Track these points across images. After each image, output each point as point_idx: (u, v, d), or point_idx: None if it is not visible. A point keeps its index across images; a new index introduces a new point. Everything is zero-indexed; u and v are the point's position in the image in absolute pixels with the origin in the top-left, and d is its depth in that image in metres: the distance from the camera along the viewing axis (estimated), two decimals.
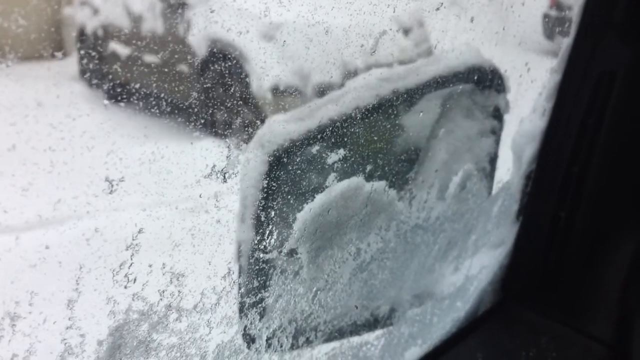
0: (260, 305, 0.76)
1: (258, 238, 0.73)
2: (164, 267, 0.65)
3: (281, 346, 0.80)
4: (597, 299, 1.34)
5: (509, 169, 1.26)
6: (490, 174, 1.06)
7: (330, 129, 0.82)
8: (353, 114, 0.84)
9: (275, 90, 7.70)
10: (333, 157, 0.78)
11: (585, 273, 1.32)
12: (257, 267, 0.74)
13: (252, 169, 0.75)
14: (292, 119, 0.82)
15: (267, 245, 0.73)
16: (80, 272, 0.59)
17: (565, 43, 1.17)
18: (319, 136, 0.80)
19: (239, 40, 7.58)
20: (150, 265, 0.63)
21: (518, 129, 1.27)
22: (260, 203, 0.73)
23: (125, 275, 0.62)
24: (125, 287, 0.61)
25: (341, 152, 0.78)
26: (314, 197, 0.77)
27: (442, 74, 0.95)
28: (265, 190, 0.74)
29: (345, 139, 0.83)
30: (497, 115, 1.05)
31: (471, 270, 1.24)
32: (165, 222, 0.75)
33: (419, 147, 0.97)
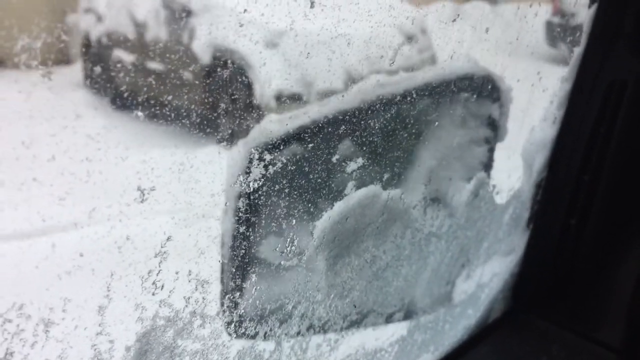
0: (280, 310, 0.77)
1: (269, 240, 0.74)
2: (190, 274, 0.66)
3: (299, 351, 0.81)
4: (607, 306, 1.34)
5: (519, 177, 1.27)
6: (459, 171, 1.07)
7: (320, 126, 0.84)
8: (350, 112, 0.86)
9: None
10: (352, 166, 0.79)
11: (595, 281, 1.33)
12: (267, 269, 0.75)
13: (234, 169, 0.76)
14: (284, 118, 0.84)
15: (285, 251, 0.74)
16: (111, 279, 0.60)
17: (575, 52, 1.18)
18: (308, 132, 0.82)
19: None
20: (177, 272, 0.64)
21: (529, 137, 1.28)
22: (246, 205, 0.73)
23: (154, 283, 0.63)
24: (153, 294, 0.62)
25: (360, 160, 0.79)
26: (333, 205, 0.79)
27: (435, 81, 0.97)
28: (250, 192, 0.74)
29: (338, 139, 0.84)
30: (491, 124, 1.07)
31: (483, 277, 1.24)
32: (193, 230, 0.76)
33: (416, 154, 0.99)
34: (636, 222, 1.31)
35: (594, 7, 1.13)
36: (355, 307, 0.88)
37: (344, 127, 0.86)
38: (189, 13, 7.38)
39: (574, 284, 1.35)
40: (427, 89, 0.96)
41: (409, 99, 0.96)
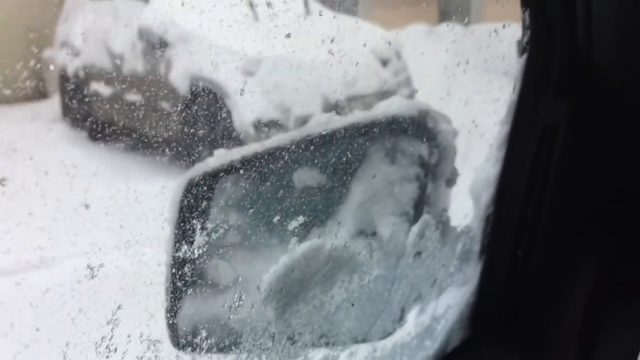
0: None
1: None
2: (141, 336, 0.72)
3: None
4: (558, 333, 1.42)
5: (467, 215, 1.35)
6: (414, 219, 1.15)
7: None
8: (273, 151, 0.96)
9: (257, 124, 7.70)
10: (293, 224, 0.87)
11: (544, 309, 1.41)
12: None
13: None
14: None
15: (233, 306, 0.81)
16: (67, 347, 0.66)
17: (511, 98, 1.28)
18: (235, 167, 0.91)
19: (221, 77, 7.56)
20: (129, 336, 0.70)
21: (475, 176, 1.37)
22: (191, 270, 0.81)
23: (107, 347, 0.69)
24: (107, 357, 0.68)
25: (300, 218, 0.87)
26: (278, 261, 0.86)
27: (365, 120, 1.06)
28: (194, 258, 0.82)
29: (267, 174, 0.94)
30: (422, 163, 1.16)
31: (437, 310, 1.32)
32: (142, 297, 0.83)
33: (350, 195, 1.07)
34: (579, 253, 1.40)
35: (525, 56, 1.23)
36: (307, 349, 0.95)
37: (273, 163, 0.96)
38: (165, 44, 7.46)
39: (526, 312, 1.42)
40: (356, 128, 1.05)
41: (338, 137, 1.05)
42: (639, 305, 1.38)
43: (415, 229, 1.14)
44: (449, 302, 1.36)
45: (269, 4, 8.57)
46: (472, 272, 1.42)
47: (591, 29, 1.12)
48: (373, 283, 1.07)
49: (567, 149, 1.26)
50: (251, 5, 8.20)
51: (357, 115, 1.12)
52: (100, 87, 8.29)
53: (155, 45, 7.21)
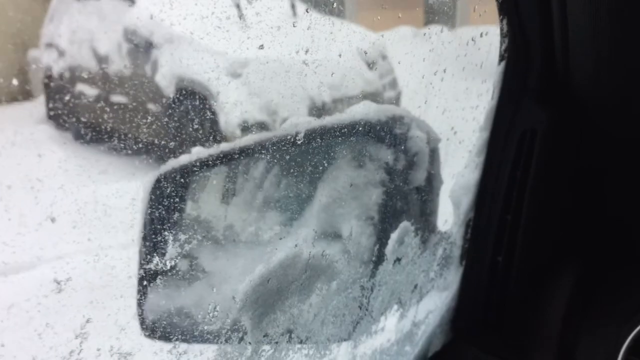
0: None
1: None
2: (111, 349, 0.72)
3: None
4: (539, 335, 1.43)
5: (447, 220, 1.36)
6: (379, 222, 1.16)
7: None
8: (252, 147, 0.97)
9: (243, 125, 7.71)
10: (269, 233, 0.86)
11: (525, 312, 1.42)
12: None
13: None
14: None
15: (207, 317, 0.81)
16: None
17: (490, 104, 1.29)
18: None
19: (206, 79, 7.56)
20: (98, 350, 0.70)
21: (455, 181, 1.38)
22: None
23: None
24: None
25: (277, 228, 0.87)
26: (254, 270, 0.85)
27: (336, 123, 1.07)
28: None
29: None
30: (387, 169, 1.16)
31: (417, 316, 1.32)
32: (112, 310, 0.82)
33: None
34: (559, 255, 1.41)
35: (502, 64, 1.24)
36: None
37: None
38: (151, 45, 7.42)
39: (507, 316, 1.43)
40: (327, 131, 1.06)
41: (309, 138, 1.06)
42: (618, 307, 1.40)
43: (395, 235, 1.14)
44: (429, 307, 1.36)
45: (253, 5, 8.51)
46: (453, 277, 1.43)
47: (567, 38, 1.13)
48: (351, 290, 1.07)
49: (545, 155, 1.27)
50: (238, 6, 8.18)
51: (329, 118, 1.13)
52: (85, 88, 8.23)
53: (141, 46, 7.17)
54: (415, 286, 1.26)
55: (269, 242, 0.98)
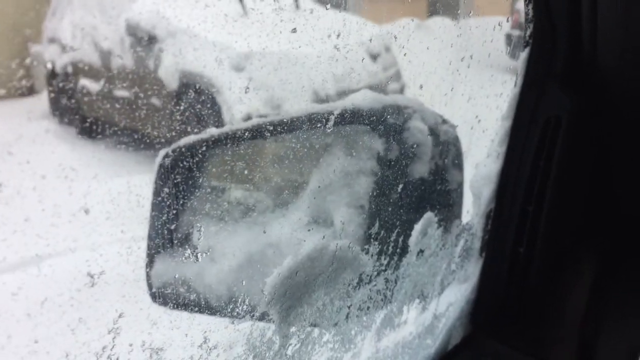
0: None
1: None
2: (143, 345, 0.70)
3: None
4: (559, 328, 1.41)
5: (469, 211, 1.34)
6: (369, 211, 1.15)
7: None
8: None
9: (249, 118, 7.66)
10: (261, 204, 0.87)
11: (545, 304, 1.40)
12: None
13: None
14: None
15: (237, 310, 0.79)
16: (66, 359, 0.63)
17: (513, 92, 1.26)
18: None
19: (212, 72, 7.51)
20: (130, 345, 0.68)
21: (475, 172, 1.35)
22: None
23: (108, 357, 0.66)
24: None
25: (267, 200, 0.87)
26: (282, 263, 0.84)
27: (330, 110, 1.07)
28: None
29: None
30: (379, 158, 1.15)
31: (439, 308, 1.30)
32: (144, 304, 0.81)
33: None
34: (580, 247, 1.39)
35: (527, 50, 1.21)
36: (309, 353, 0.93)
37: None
38: (153, 39, 7.38)
39: (527, 308, 1.41)
40: (324, 116, 1.06)
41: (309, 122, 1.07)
42: (639, 300, 1.38)
43: (418, 227, 1.12)
44: (450, 300, 1.34)
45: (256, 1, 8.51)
46: (473, 269, 1.41)
47: (596, 24, 1.10)
48: (376, 282, 1.05)
49: (569, 143, 1.25)
50: (241, 0, 8.12)
51: (326, 105, 1.13)
52: (88, 83, 8.21)
53: (143, 40, 7.13)
54: (437, 278, 1.24)
55: (292, 228, 0.98)
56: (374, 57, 7.52)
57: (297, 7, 7.64)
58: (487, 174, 1.33)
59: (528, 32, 1.16)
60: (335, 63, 7.67)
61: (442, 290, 1.28)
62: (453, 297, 1.34)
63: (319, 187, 1.09)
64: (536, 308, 1.41)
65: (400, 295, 1.13)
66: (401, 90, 7.86)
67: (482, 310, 1.43)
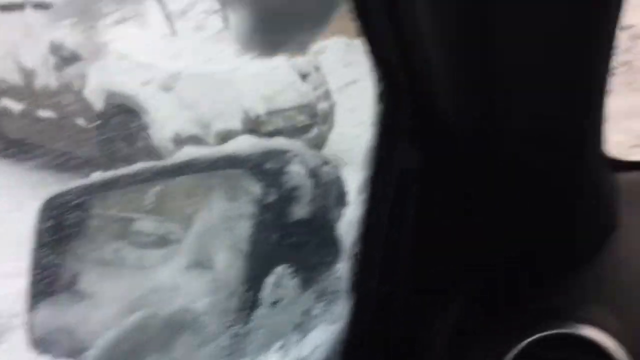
0: None
1: None
2: None
3: None
4: None
5: (337, 251, 1.39)
6: (250, 255, 1.19)
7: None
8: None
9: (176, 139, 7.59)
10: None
11: (412, 340, 1.46)
12: None
13: None
14: None
15: None
16: None
17: (370, 143, 1.33)
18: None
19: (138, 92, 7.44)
20: None
21: (341, 217, 1.41)
22: None
23: None
24: None
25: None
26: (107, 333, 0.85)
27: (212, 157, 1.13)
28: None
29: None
30: (257, 201, 1.21)
31: (302, 352, 1.34)
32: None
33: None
34: (442, 284, 1.46)
35: (379, 107, 1.28)
36: None
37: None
38: (78, 58, 7.22)
39: (394, 345, 1.48)
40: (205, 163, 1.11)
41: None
42: (503, 332, 1.46)
43: (271, 279, 1.16)
44: (316, 342, 1.39)
45: (185, 19, 8.44)
46: (343, 310, 1.46)
47: (430, 79, 1.17)
48: (227, 339, 1.08)
49: (422, 192, 1.32)
50: (169, 19, 8.06)
51: (207, 151, 1.18)
52: (10, 103, 7.92)
53: (68, 59, 6.95)
54: (297, 325, 1.28)
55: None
56: (304, 76, 7.61)
57: (227, 27, 7.68)
58: (350, 219, 1.40)
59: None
60: (264, 83, 7.71)
61: (305, 335, 1.33)
62: (319, 340, 1.39)
63: (201, 230, 1.11)
64: (403, 344, 1.47)
65: (253, 346, 1.16)
66: (330, 109, 7.97)
67: (351, 350, 1.48)
